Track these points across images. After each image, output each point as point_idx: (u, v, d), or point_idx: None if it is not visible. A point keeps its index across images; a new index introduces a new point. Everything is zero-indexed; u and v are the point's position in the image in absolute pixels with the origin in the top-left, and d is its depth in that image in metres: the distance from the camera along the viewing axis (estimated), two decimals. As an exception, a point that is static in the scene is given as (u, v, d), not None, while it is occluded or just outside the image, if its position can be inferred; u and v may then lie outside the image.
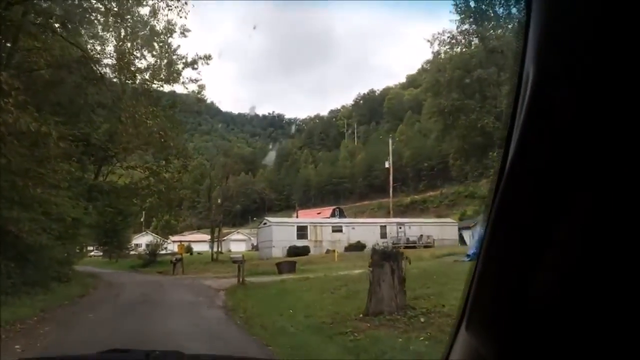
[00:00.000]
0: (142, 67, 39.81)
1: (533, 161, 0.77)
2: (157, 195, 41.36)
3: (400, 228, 47.41)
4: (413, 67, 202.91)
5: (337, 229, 45.95)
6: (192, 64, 40.14)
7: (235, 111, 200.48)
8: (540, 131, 0.76)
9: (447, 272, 15.82)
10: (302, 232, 44.54)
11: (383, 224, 48.03)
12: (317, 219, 50.22)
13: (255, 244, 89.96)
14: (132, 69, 39.58)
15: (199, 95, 41.36)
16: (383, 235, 46.69)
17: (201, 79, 40.60)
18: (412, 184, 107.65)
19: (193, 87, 45.00)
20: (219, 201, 58.71)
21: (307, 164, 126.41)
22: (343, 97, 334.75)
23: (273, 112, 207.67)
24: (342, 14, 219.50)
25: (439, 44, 61.52)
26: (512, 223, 0.82)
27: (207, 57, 40.38)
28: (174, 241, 70.30)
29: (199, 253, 66.03)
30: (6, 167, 13.80)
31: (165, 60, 40.20)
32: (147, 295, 18.28)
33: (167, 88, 43.49)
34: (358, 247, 43.89)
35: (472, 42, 61.43)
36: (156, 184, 41.82)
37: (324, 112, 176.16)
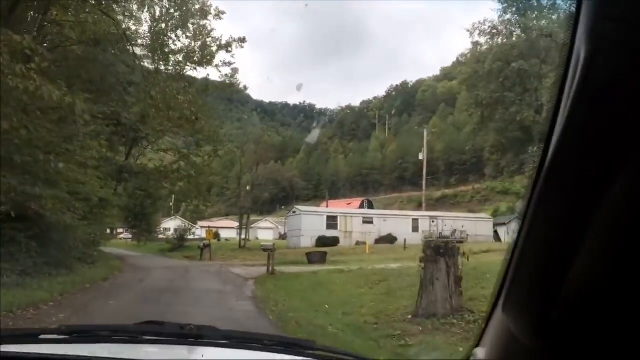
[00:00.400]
0: (176, 49, 39.22)
1: (575, 154, 0.76)
2: (186, 180, 40.61)
3: (433, 222, 45.83)
4: (448, 60, 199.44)
5: (368, 221, 44.62)
6: (227, 46, 39.16)
7: (267, 100, 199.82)
8: (585, 123, 0.73)
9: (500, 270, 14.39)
10: (332, 222, 43.34)
11: (415, 217, 46.51)
12: (348, 210, 48.89)
13: (282, 232, 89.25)
14: (166, 50, 39.08)
15: (232, 79, 40.50)
16: (415, 228, 45.25)
17: (235, 62, 39.39)
18: (444, 178, 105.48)
19: (226, 70, 44.22)
20: (248, 188, 57.73)
21: (337, 154, 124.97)
22: (375, 88, 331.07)
23: (304, 101, 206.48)
24: (376, 3, 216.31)
25: (479, 34, 59.48)
26: (550, 211, 0.82)
27: (242, 40, 39.35)
28: (202, 227, 69.89)
29: (226, 240, 65.46)
30: (29, 140, 12.86)
31: (200, 43, 39.37)
32: (172, 282, 17.33)
33: (200, 72, 42.98)
34: (389, 239, 42.57)
35: (514, 33, 59.13)
36: (186, 168, 41.13)
37: (356, 103, 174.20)
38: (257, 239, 73.96)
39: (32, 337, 1.62)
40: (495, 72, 55.59)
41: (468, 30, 56.75)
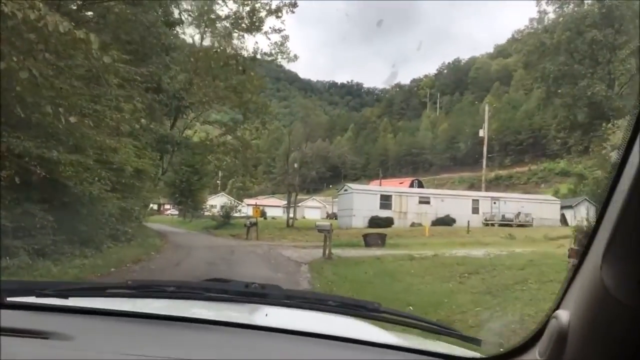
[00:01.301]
0: (223, 15, 36.56)
1: None
2: (233, 154, 38.22)
3: (494, 203, 42.12)
4: (502, 37, 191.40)
5: (425, 201, 41.28)
6: (276, 11, 36.20)
7: (314, 79, 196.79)
8: None
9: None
10: (385, 201, 40.23)
11: (475, 198, 42.84)
12: (403, 189, 45.57)
13: (330, 212, 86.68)
14: (212, 16, 36.48)
15: (281, 48, 37.56)
16: (475, 210, 41.71)
17: (284, 29, 36.39)
18: (498, 158, 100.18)
19: (276, 38, 41.21)
20: (296, 166, 55.02)
21: (386, 133, 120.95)
22: (425, 67, 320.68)
23: (351, 80, 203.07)
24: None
25: (547, 2, 54.57)
26: None
27: (293, 5, 36.31)
28: (248, 204, 67.83)
29: (273, 218, 63.25)
30: (35, 89, 10.27)
31: (248, 8, 36.57)
32: (214, 266, 14.72)
33: (248, 40, 40.15)
34: (446, 221, 39.23)
35: (585, 1, 53.98)
36: (232, 141, 38.70)
37: (405, 81, 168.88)
38: (304, 217, 71.63)
39: (98, 290, 1.66)
40: (564, 43, 50.78)
41: (534, -2, 52.06)
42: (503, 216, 41.07)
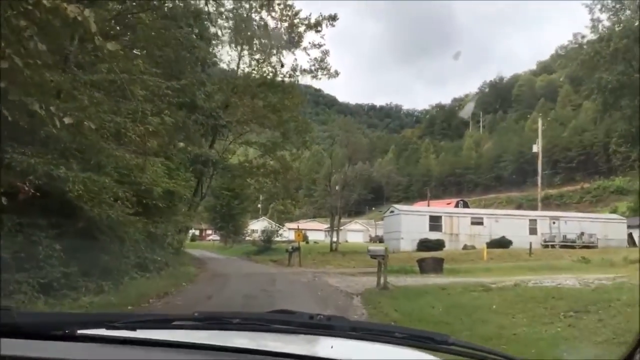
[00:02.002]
0: (261, 32, 34.95)
1: None
2: (273, 176, 36.25)
3: (553, 223, 38.74)
4: (544, 53, 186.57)
5: (477, 222, 38.28)
6: (316, 25, 34.42)
7: (353, 102, 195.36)
8: None
9: None
10: (435, 223, 37.42)
11: (533, 218, 39.52)
12: (453, 209, 42.58)
13: (373, 235, 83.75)
14: (249, 33, 34.90)
15: (322, 64, 35.48)
16: (532, 230, 38.44)
17: (325, 44, 34.43)
18: (546, 177, 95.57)
19: (316, 53, 39.33)
20: (337, 188, 52.71)
21: (428, 154, 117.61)
22: (465, 86, 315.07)
23: (390, 102, 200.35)
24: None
25: (600, 10, 51.15)
26: None
27: (332, 18, 34.48)
28: (290, 228, 65.69)
29: (315, 242, 60.94)
30: (28, 88, 8.36)
31: (286, 24, 34.91)
32: (252, 299, 12.47)
33: (287, 56, 38.43)
34: (502, 243, 36.05)
35: (645, 7, 50.27)
36: (272, 163, 36.77)
37: (446, 101, 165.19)
38: (347, 241, 68.97)
39: (165, 322, 1.68)
40: (621, 51, 47.18)
41: (587, 6, 48.71)
42: (564, 237, 37.68)
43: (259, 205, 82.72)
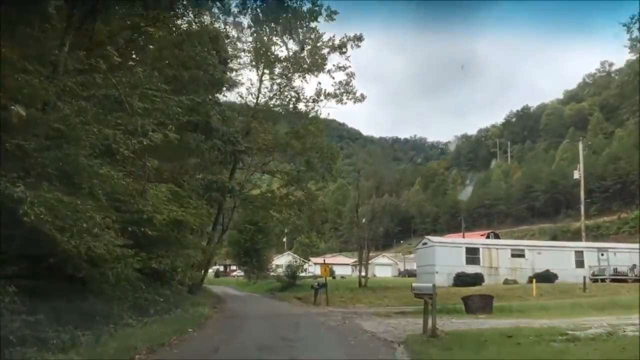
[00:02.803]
0: (282, 57, 32.95)
1: None
2: (297, 207, 33.70)
3: (602, 255, 35.15)
4: (570, 82, 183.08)
5: (518, 254, 34.92)
6: (340, 47, 32.33)
7: (377, 135, 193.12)
8: None
9: None
10: (472, 255, 34.22)
11: (579, 249, 35.96)
12: (492, 241, 39.25)
13: (401, 269, 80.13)
14: (271, 57, 32.91)
15: (347, 87, 33.08)
16: (579, 263, 34.88)
17: (350, 66, 32.17)
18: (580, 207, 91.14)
19: (341, 76, 37.17)
20: (364, 221, 49.85)
21: (456, 185, 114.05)
22: (490, 117, 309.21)
23: (415, 135, 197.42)
24: (486, 33, 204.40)
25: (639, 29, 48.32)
26: None
27: (358, 39, 32.35)
28: (315, 263, 62.71)
29: (342, 277, 57.75)
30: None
31: (309, 47, 32.90)
32: (269, 353, 9.75)
33: (310, 81, 36.22)
34: (547, 277, 32.55)
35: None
36: (296, 193, 34.31)
37: (472, 132, 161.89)
38: (375, 275, 65.57)
39: None
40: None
41: (625, 25, 46.06)
42: (615, 270, 34.03)
43: (284, 240, 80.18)
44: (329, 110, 32.91)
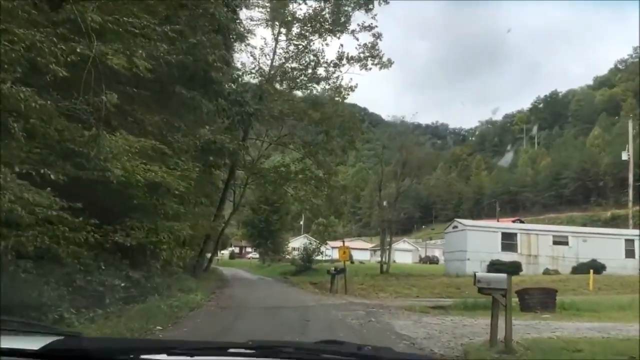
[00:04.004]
0: (300, 16, 29.06)
1: None
2: (314, 183, 29.99)
3: (656, 244, 30.90)
4: (600, 68, 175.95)
5: (561, 241, 30.76)
6: (366, 4, 28.36)
7: (398, 120, 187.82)
8: None
9: None
10: (509, 241, 30.18)
11: (630, 238, 31.64)
12: (532, 226, 35.05)
13: (422, 255, 76.09)
14: (288, 16, 29.08)
15: (372, 51, 28.93)
16: (629, 253, 30.64)
17: (377, 26, 28.06)
18: (612, 195, 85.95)
19: (366, 38, 32.91)
20: (385, 204, 45.95)
21: (480, 171, 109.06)
22: (515, 103, 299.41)
23: (436, 121, 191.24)
24: (513, 18, 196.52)
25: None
26: None
27: (386, -7, 28.35)
28: (333, 247, 59.00)
29: (360, 262, 53.99)
30: None
31: (331, 3, 28.97)
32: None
33: (332, 42, 32.16)
34: (593, 267, 28.40)
35: None
36: (313, 168, 30.59)
37: (497, 117, 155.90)
38: (395, 261, 61.76)
39: (221, 350, 1.70)
40: None
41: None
42: (671, 261, 29.77)
43: (301, 222, 76.75)
44: (351, 75, 28.44)
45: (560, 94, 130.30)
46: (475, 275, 7.88)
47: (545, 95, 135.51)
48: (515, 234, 30.59)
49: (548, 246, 30.37)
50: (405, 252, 72.56)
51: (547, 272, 29.25)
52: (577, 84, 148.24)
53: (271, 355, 1.66)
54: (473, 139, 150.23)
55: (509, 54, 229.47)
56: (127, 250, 11.16)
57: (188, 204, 15.08)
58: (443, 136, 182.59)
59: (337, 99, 28.16)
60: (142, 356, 1.53)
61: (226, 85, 20.14)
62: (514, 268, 28.81)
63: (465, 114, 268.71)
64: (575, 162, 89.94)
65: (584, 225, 77.44)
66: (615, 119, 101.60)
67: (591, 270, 22.95)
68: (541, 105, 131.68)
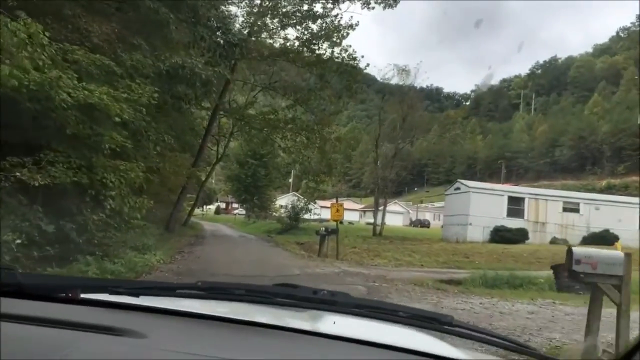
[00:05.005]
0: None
1: None
2: (305, 133, 26.79)
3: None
4: (600, 36, 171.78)
5: (572, 208, 27.95)
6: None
7: (393, 82, 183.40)
8: None
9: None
10: (515, 206, 27.33)
11: (645, 206, 28.92)
12: (542, 190, 32.12)
13: (413, 218, 73.70)
14: None
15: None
16: (645, 223, 27.95)
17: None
18: (608, 165, 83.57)
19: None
20: (378, 164, 42.80)
21: (475, 135, 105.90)
22: (513, 68, 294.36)
23: (431, 84, 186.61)
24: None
25: None
26: None
27: None
28: (322, 206, 56.03)
29: (349, 223, 51.31)
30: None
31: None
32: None
33: None
34: (605, 239, 25.80)
35: None
36: (304, 117, 27.32)
37: (494, 82, 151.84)
38: (385, 224, 59.23)
39: (168, 290, 1.65)
40: None
41: None
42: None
43: (290, 180, 73.73)
44: (351, 14, 24.82)
45: (559, 60, 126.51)
46: (570, 251, 4.76)
47: (545, 61, 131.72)
48: (523, 199, 27.71)
49: (557, 213, 27.60)
50: (396, 215, 70.00)
51: (554, 241, 26.59)
52: (576, 52, 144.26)
53: (221, 298, 1.58)
54: (468, 103, 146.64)
55: (506, 19, 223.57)
56: (45, 194, 7.98)
57: (145, 140, 11.83)
58: (437, 100, 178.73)
59: (334, 39, 24.58)
60: (83, 294, 1.42)
61: (206, 10, 16.55)
62: (519, 235, 26.20)
63: (460, 78, 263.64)
64: (572, 129, 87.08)
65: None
66: (616, 88, 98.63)
67: (619, 241, 20.14)
68: (539, 71, 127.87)
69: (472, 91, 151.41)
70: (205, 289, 1.56)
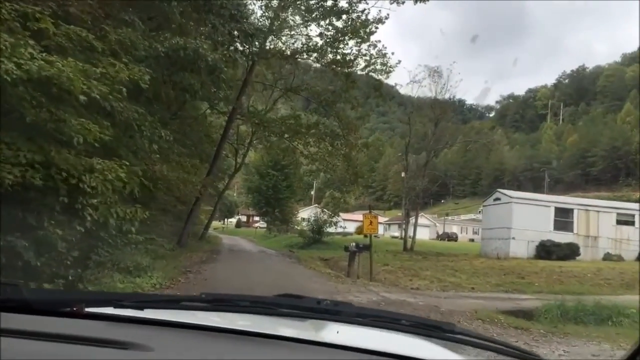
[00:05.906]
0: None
1: None
2: (329, 140, 24.46)
3: None
4: (629, 46, 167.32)
5: (626, 220, 24.91)
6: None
7: (415, 95, 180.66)
8: None
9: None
10: (564, 218, 24.42)
11: None
12: (593, 201, 29.05)
13: (440, 232, 70.57)
14: None
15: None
16: None
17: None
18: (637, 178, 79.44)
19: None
20: (403, 175, 40.04)
21: (501, 146, 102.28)
22: (537, 78, 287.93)
23: (453, 96, 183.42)
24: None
25: None
26: None
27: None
28: (345, 219, 53.35)
29: (374, 236, 48.22)
30: None
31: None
32: None
33: None
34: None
35: None
36: (328, 122, 24.98)
37: (519, 92, 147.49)
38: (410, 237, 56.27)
39: (173, 303, 1.65)
40: None
41: None
42: None
43: (312, 193, 71.39)
44: (379, 9, 22.52)
45: (587, 70, 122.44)
46: None
47: (572, 70, 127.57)
48: (572, 210, 24.79)
49: (611, 226, 24.59)
50: (422, 228, 66.92)
51: (608, 257, 23.65)
52: (604, 61, 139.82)
53: (226, 309, 1.58)
54: (491, 115, 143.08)
55: (532, 30, 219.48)
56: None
57: (139, 136, 9.46)
58: (460, 112, 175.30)
59: (361, 34, 22.22)
60: (87, 309, 1.40)
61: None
62: (569, 251, 23.29)
63: (483, 90, 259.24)
64: (605, 139, 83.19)
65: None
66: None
67: (628, 257, 17.23)
68: (566, 81, 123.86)
69: (496, 102, 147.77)
70: (209, 301, 1.58)
